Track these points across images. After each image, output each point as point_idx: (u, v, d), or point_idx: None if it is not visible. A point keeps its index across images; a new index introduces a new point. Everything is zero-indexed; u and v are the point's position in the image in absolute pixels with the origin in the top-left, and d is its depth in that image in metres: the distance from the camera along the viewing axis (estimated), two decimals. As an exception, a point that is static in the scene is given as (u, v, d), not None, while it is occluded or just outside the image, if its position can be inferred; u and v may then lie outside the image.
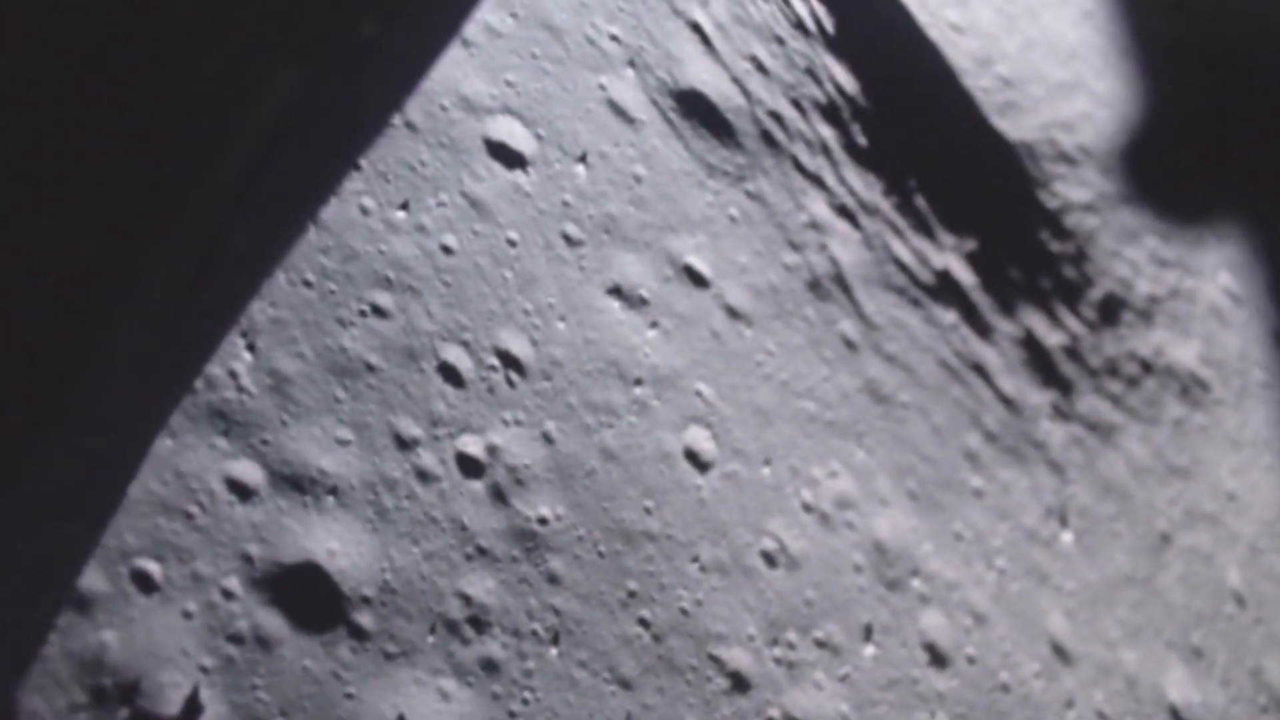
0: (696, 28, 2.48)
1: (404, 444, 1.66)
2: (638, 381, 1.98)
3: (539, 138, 2.05)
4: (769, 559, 2.03)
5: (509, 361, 1.83)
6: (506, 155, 1.99)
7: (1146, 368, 3.46)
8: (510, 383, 1.82)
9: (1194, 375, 3.66)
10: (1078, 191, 3.73)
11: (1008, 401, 2.79)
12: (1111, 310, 3.49)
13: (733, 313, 2.20)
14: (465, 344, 1.79)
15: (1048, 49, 4.00)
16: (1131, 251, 3.76)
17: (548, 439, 1.83)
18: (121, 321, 1.21)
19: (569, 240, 2.00)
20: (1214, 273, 4.08)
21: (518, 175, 1.98)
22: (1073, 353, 3.17)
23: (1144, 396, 3.36)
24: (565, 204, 2.02)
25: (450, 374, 1.76)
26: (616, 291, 2.02)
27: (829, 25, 3.04)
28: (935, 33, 3.79)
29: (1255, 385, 4.02)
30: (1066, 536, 2.72)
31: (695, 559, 1.93)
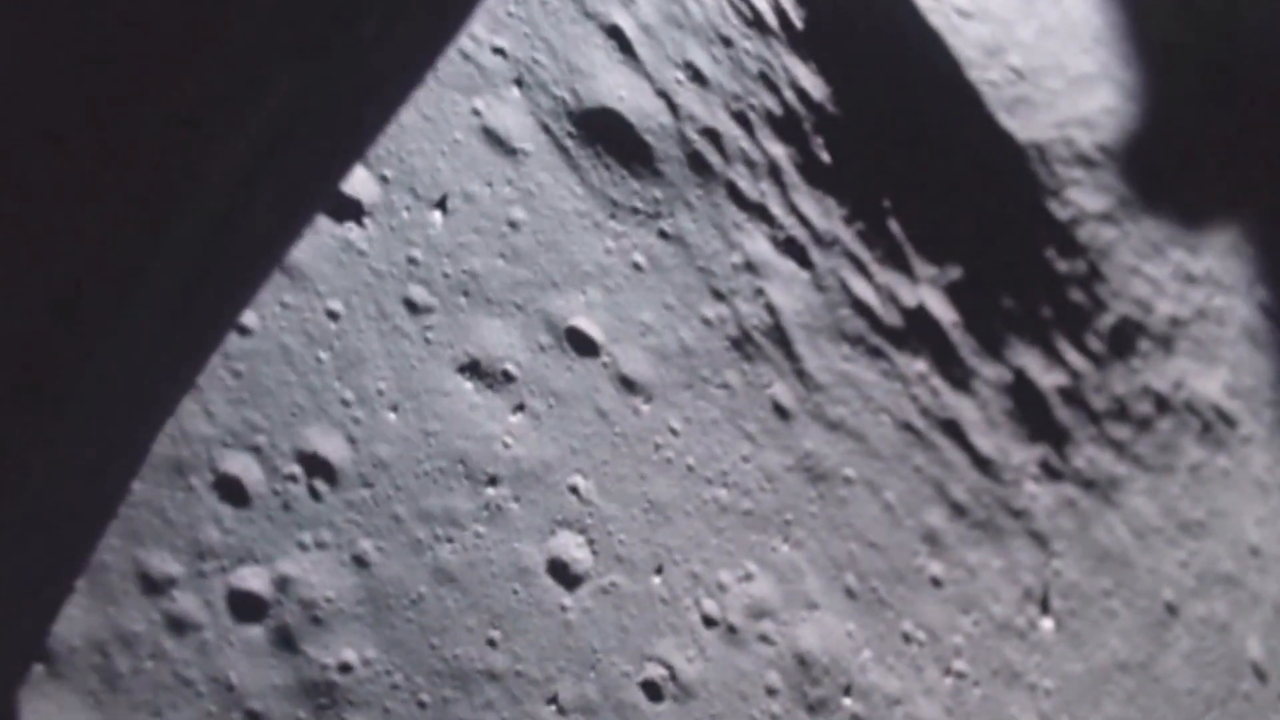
0: (614, 32, 2.09)
1: (153, 586, 1.33)
2: (492, 481, 1.64)
3: (384, 180, 1.69)
4: (653, 690, 1.69)
5: (315, 467, 1.50)
6: (337, 204, 1.63)
7: (1162, 405, 3.03)
8: (315, 494, 1.49)
9: (1218, 409, 3.22)
10: (1094, 199, 3.28)
11: (984, 464, 2.40)
12: (1124, 339, 3.06)
13: (627, 385, 1.84)
14: (255, 449, 1.46)
15: (1068, 35, 3.52)
16: (1153, 267, 3.31)
17: (361, 562, 1.49)
18: (120, 322, 1.20)
19: (413, 307, 1.64)
20: (1250, 287, 3.61)
21: (349, 229, 1.63)
22: (1072, 395, 2.76)
23: (1156, 441, 2.94)
24: (412, 261, 1.67)
25: (230, 489, 1.43)
26: (472, 369, 1.67)
27: (796, 19, 2.63)
28: (939, 19, 3.34)
29: (1295, 417, 3.56)
30: (1046, 624, 2.33)
31: (552, 699, 1.59)
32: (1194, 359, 3.31)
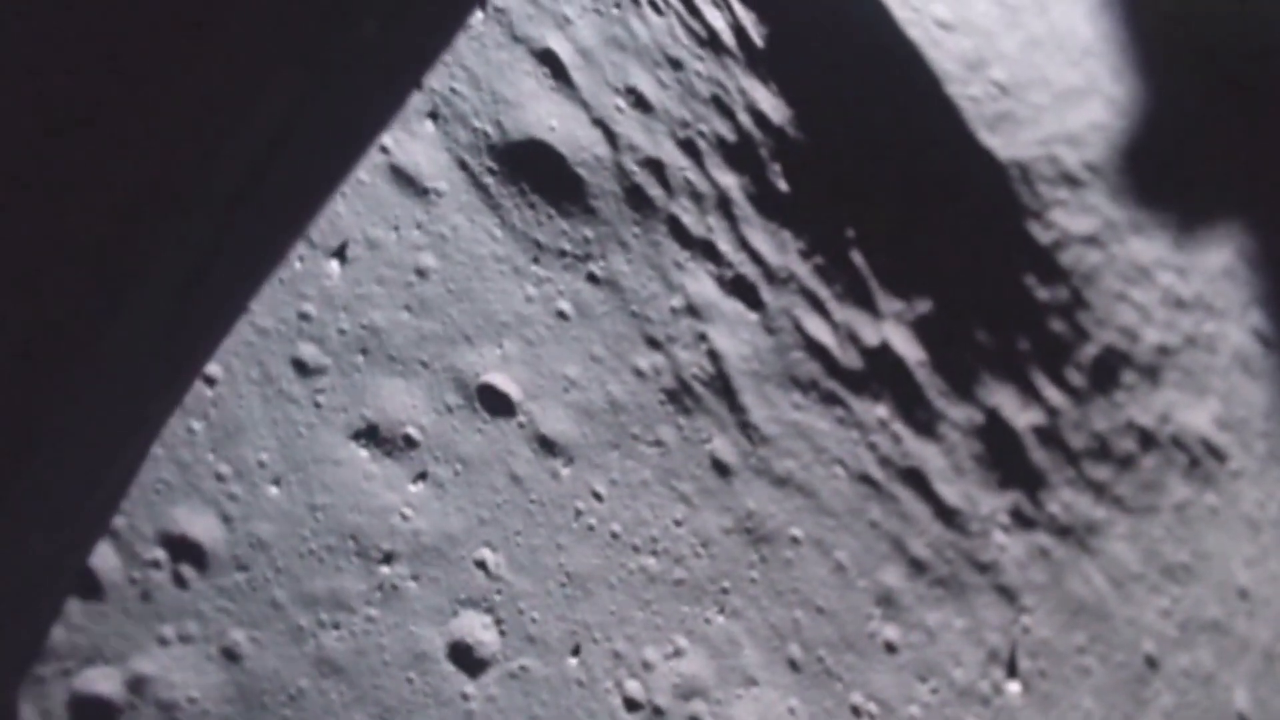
0: (547, 57, 1.95)
1: (-18, 697, 1.20)
2: (387, 558, 1.50)
3: (274, 227, 1.55)
4: (565, 784, 1.55)
5: (182, 551, 1.36)
6: (219, 256, 1.49)
7: (1146, 441, 2.88)
8: (180, 581, 1.35)
9: (1207, 443, 3.07)
10: (1079, 221, 3.12)
11: (948, 515, 2.25)
12: (1108, 371, 2.90)
13: (545, 446, 1.69)
14: (113, 534, 1.32)
15: (1055, 47, 3.36)
16: (1141, 292, 3.15)
17: (231, 656, 1.35)
18: (121, 322, 1.19)
19: (302, 368, 1.50)
20: (1243, 311, 3.45)
21: (231, 283, 1.49)
22: (1048, 435, 2.61)
23: (1139, 480, 2.78)
24: (304, 317, 1.52)
25: (81, 581, 1.29)
26: (368, 435, 1.53)
27: (756, 36, 2.47)
28: (917, 31, 3.18)
29: (1290, 449, 3.40)
30: (1013, 687, 2.19)
31: (449, 800, 1.46)
32: (1182, 390, 3.16)
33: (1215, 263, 3.53)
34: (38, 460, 1.19)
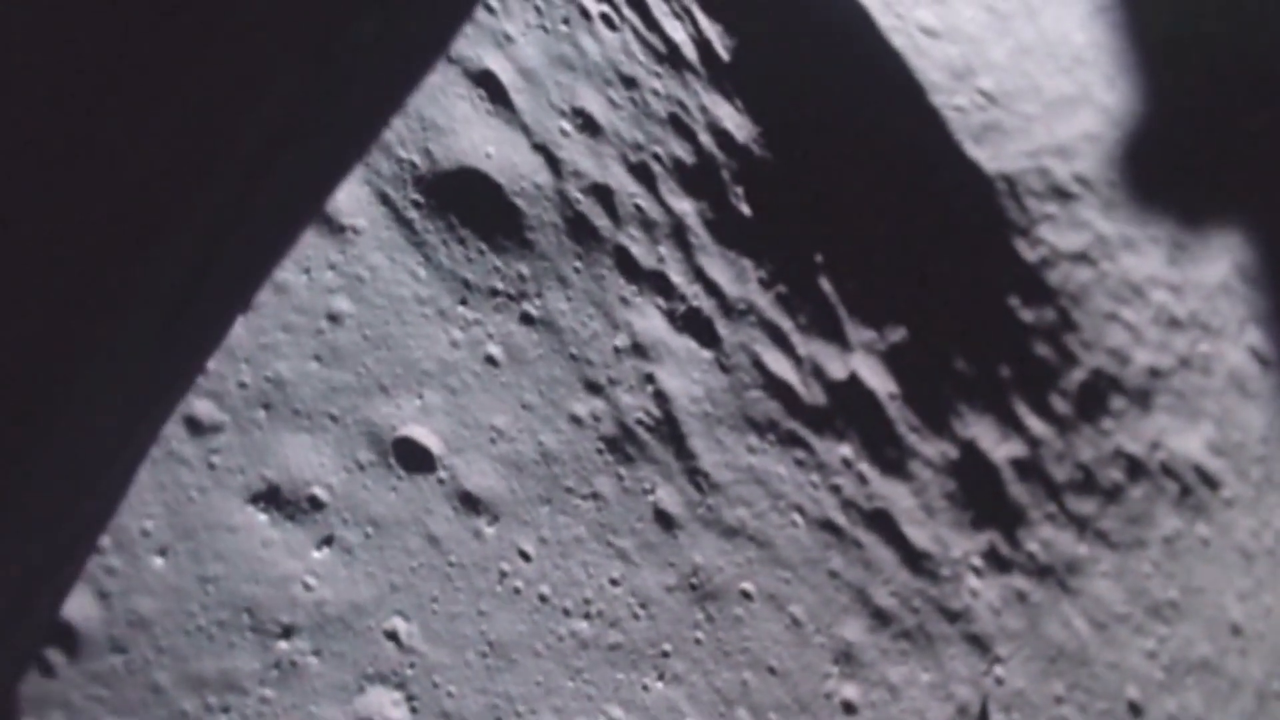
0: (485, 79, 1.82)
1: None
2: (286, 632, 1.38)
3: (168, 272, 1.43)
4: None
5: (56, 635, 1.25)
6: (103, 305, 1.37)
7: (1135, 470, 2.75)
8: (47, 669, 1.24)
9: (1200, 469, 2.94)
10: (1069, 236, 2.99)
11: (916, 560, 2.13)
12: (1096, 397, 2.77)
13: (468, 503, 1.58)
14: (-30, 618, 1.20)
15: (1046, 54, 3.22)
16: (1132, 312, 3.01)
17: (104, 749, 1.24)
18: (121, 323, 1.18)
19: (195, 427, 1.39)
20: (1239, 330, 3.31)
21: (116, 336, 1.37)
22: (1029, 468, 2.48)
23: (1125, 513, 2.66)
24: (198, 370, 1.41)
25: (-69, 672, 1.18)
26: (268, 497, 1.41)
27: (722, 49, 2.34)
28: (901, 39, 3.05)
29: (1288, 475, 3.26)
30: (982, 743, 2.07)
31: None
32: (1174, 414, 3.03)
33: (1212, 278, 3.39)
34: (38, 460, 1.15)
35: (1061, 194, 3.14)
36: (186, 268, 1.27)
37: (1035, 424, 2.60)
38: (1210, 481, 3.03)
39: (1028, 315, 2.81)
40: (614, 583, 1.67)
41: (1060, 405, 2.70)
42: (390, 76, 1.65)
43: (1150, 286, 3.19)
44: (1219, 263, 3.44)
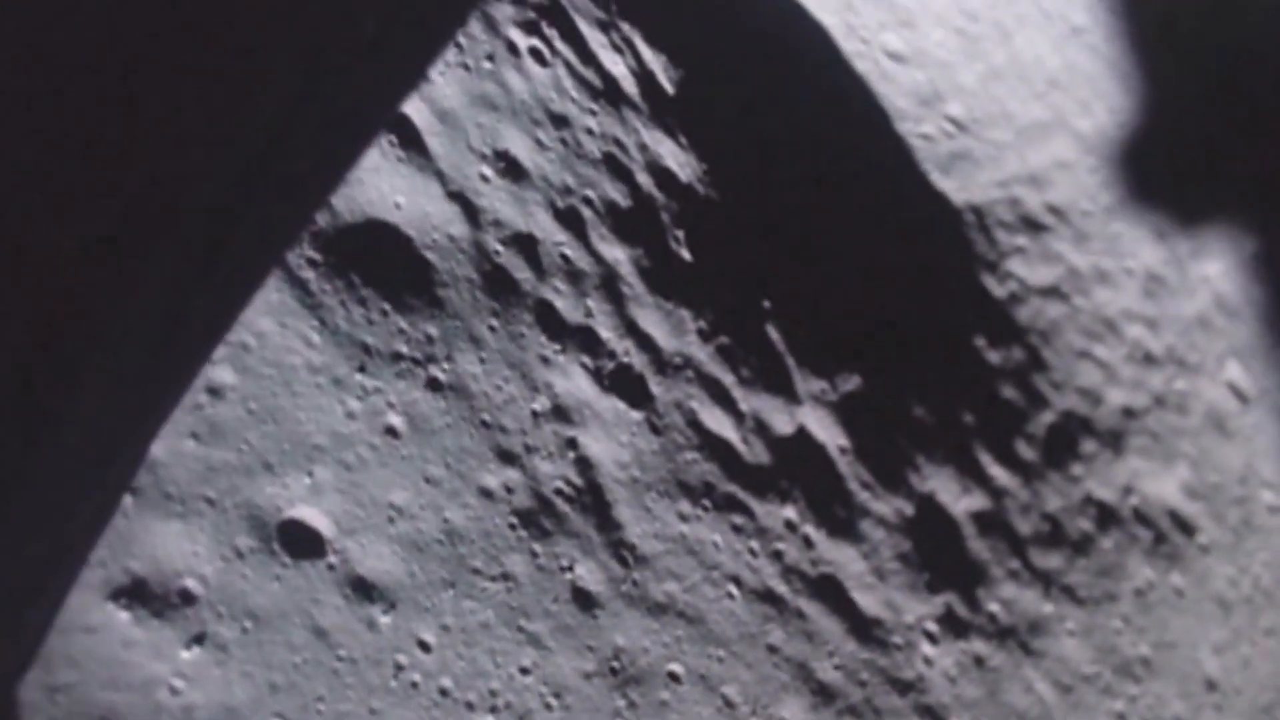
0: (397, 122, 1.70)
1: None
2: (146, 744, 1.26)
3: (23, 347, 1.31)
4: None
5: None
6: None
7: (1105, 519, 2.63)
8: None
9: (1175, 515, 2.82)
10: (1039, 270, 2.87)
11: (865, 628, 2.01)
12: (1065, 441, 2.65)
13: (362, 590, 1.46)
14: None
15: (1019, 79, 3.10)
16: (1105, 349, 2.90)
17: None
18: (121, 321, 1.18)
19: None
20: (1217, 365, 3.19)
21: (-41, 420, 1.25)
22: (991, 521, 2.36)
23: (1094, 565, 2.54)
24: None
25: None
26: (131, 593, 1.29)
27: (666, 82, 2.23)
28: (866, 64, 2.93)
29: (1261, 514, 3.15)
30: (933, 824, 1.95)
31: None
32: (1148, 457, 2.91)
33: (1189, 312, 3.28)
34: (38, 460, 1.16)
35: (1033, 225, 3.03)
36: (188, 263, 1.28)
37: (999, 473, 2.48)
38: (1185, 527, 2.91)
39: (994, 356, 2.70)
40: (524, 671, 1.55)
41: (1027, 452, 2.59)
42: (395, 70, 1.60)
43: (1125, 321, 3.07)
44: (1197, 295, 3.33)
